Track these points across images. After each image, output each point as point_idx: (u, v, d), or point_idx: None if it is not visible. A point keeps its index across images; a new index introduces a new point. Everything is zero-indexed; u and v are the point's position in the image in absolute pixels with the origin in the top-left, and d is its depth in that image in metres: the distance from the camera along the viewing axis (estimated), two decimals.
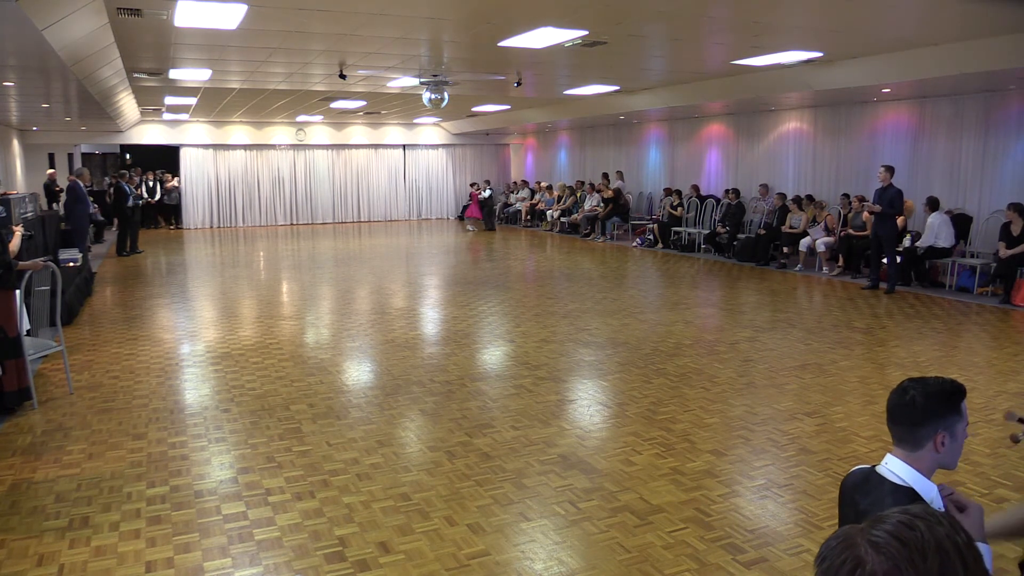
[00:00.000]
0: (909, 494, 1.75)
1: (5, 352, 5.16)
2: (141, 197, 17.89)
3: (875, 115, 11.97)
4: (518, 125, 19.67)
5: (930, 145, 11.18)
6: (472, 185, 20.24)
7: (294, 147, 20.92)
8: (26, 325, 5.69)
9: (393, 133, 21.71)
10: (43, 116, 14.43)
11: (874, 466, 1.86)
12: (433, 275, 12.20)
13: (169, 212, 20.47)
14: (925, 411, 1.77)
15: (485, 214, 19.29)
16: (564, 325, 8.07)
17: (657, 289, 10.72)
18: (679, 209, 14.99)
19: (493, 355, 7.07)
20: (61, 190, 15.79)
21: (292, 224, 21.10)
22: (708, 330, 7.93)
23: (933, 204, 10.15)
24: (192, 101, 14.32)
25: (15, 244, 5.89)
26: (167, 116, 18.14)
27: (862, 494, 1.83)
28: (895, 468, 1.80)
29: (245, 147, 20.41)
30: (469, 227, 19.51)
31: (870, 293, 9.94)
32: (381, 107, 16.26)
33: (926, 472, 1.78)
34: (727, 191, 14.14)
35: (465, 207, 20.51)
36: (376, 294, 10.37)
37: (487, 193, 19.27)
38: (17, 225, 6.59)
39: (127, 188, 14.82)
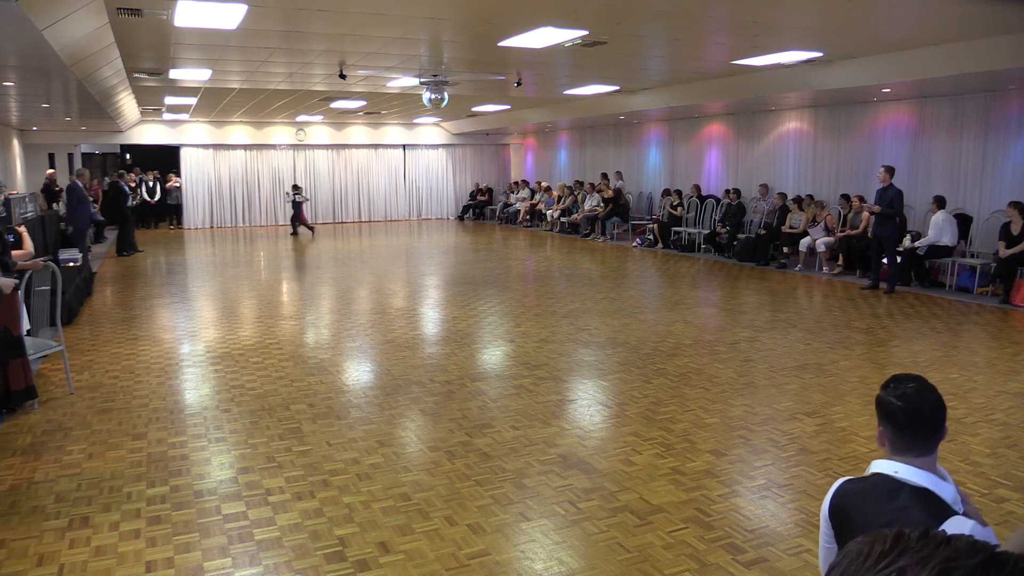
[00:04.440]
0: (932, 498, 1.68)
1: (12, 351, 5.16)
2: (136, 197, 17.87)
3: (875, 115, 11.97)
4: (518, 125, 19.67)
5: (930, 145, 11.18)
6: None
7: (294, 147, 20.92)
8: (26, 325, 5.68)
9: (393, 133, 21.71)
10: (43, 116, 14.44)
11: (864, 476, 1.77)
12: (433, 275, 12.20)
13: (169, 212, 20.48)
14: (943, 410, 1.72)
15: (293, 217, 18.26)
16: (564, 325, 8.07)
17: (657, 289, 10.72)
18: (679, 209, 14.99)
19: (493, 355, 7.07)
20: (61, 190, 15.79)
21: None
22: (708, 330, 7.93)
23: (940, 203, 10.14)
24: (192, 101, 14.33)
25: (28, 246, 5.90)
26: (167, 116, 18.14)
27: (877, 501, 1.72)
28: (910, 475, 1.70)
29: (245, 147, 20.41)
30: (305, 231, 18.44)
31: (870, 293, 9.94)
32: (381, 107, 16.26)
33: (939, 475, 1.72)
34: (727, 191, 14.14)
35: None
36: (376, 294, 10.36)
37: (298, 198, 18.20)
38: (19, 225, 6.59)
39: (126, 188, 14.83)
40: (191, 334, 7.81)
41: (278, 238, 17.84)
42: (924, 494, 1.68)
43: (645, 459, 4.45)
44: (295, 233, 18.27)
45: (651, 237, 15.42)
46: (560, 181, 19.96)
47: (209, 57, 9.14)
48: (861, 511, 1.74)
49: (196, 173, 20.04)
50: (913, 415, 1.71)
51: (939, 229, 10.05)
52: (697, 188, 15.11)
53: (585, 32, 7.69)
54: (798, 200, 12.53)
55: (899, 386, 1.75)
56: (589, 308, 9.00)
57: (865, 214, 10.88)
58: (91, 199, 14.12)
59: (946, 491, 1.69)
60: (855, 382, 5.99)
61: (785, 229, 12.38)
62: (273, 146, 20.68)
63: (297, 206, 18.16)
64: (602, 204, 16.85)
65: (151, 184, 19.74)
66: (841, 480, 1.85)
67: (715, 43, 8.57)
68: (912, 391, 1.72)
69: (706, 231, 14.20)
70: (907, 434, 1.72)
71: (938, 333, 7.68)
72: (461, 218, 22.76)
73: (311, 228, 18.45)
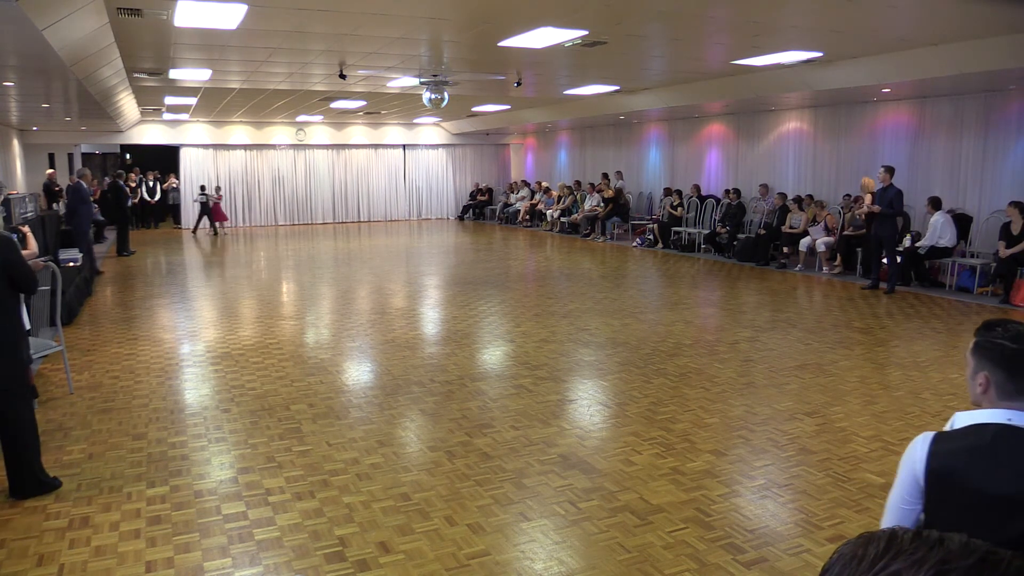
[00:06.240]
0: None
1: None
2: (132, 198, 17.87)
3: (875, 115, 11.97)
4: (518, 125, 19.67)
5: (930, 145, 11.18)
6: (217, 190, 19.16)
7: (294, 147, 20.92)
8: (26, 325, 5.68)
9: (393, 133, 21.71)
10: (43, 116, 14.44)
11: (954, 430, 1.61)
12: (433, 275, 12.20)
13: (168, 212, 20.46)
14: None
15: (206, 216, 18.37)
16: (564, 325, 8.06)
17: (657, 289, 10.72)
18: (679, 209, 14.99)
19: (493, 355, 7.07)
20: (61, 190, 15.78)
21: (292, 224, 21.10)
22: (708, 330, 7.93)
23: (936, 204, 10.14)
24: (192, 101, 14.32)
25: (32, 245, 5.90)
26: (167, 116, 18.14)
27: (996, 455, 1.55)
28: None
29: (245, 147, 20.40)
30: (223, 231, 18.64)
31: (870, 293, 9.94)
32: (381, 107, 16.26)
33: None
34: (727, 191, 14.14)
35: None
36: (376, 294, 10.36)
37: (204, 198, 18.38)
38: (23, 225, 6.61)
39: (126, 188, 14.83)
40: (191, 334, 7.81)
41: (278, 238, 17.84)
42: None
43: (645, 459, 4.45)
44: (215, 233, 18.37)
45: (651, 237, 15.42)
46: (560, 181, 19.97)
47: (209, 57, 9.14)
48: (978, 469, 1.56)
49: (196, 173, 20.02)
50: None
51: (937, 230, 10.05)
52: (697, 188, 15.11)
53: (585, 32, 7.68)
54: (798, 200, 12.53)
55: (1007, 328, 1.61)
56: (589, 308, 8.99)
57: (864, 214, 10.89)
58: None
59: None
60: (855, 382, 5.99)
61: (785, 229, 12.38)
62: (273, 146, 20.67)
63: (204, 206, 18.35)
64: (602, 204, 16.85)
65: (151, 184, 19.73)
66: (929, 437, 1.64)
67: (715, 43, 8.57)
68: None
69: (706, 231, 14.20)
70: (1021, 377, 1.59)
71: (938, 333, 7.68)
72: (461, 218, 22.75)
73: (216, 231, 18.44)
